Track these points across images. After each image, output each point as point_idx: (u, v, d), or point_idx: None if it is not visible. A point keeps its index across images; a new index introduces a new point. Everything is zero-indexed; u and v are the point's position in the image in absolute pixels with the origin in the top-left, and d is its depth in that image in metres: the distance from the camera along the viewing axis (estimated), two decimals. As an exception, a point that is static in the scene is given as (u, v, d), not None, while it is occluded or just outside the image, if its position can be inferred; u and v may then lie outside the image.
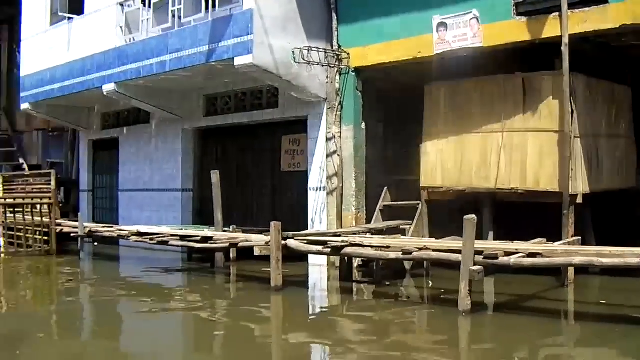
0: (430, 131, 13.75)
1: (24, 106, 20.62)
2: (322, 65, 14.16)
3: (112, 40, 16.91)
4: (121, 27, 16.85)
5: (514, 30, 11.99)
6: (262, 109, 16.25)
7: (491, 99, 13.00)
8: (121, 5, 16.85)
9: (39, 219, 17.83)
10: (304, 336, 9.19)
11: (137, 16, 16.33)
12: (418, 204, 13.90)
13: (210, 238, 13.48)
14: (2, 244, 18.02)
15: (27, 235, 17.82)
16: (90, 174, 21.90)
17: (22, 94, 20.59)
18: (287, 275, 11.88)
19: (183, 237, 14.08)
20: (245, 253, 13.76)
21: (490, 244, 10.72)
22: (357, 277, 13.36)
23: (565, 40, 11.30)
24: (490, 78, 13.13)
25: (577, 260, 9.15)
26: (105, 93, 17.06)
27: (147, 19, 15.98)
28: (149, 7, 15.87)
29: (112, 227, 16.93)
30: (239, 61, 13.58)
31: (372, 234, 12.86)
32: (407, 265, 13.15)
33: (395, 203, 14.52)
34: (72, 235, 17.35)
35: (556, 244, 10.73)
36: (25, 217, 17.91)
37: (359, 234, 12.68)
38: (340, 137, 14.34)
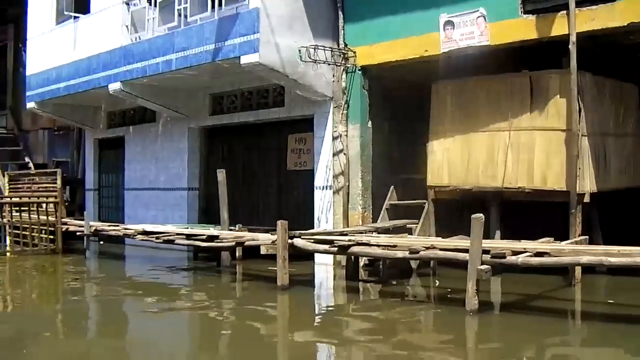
0: (436, 130, 13.71)
1: (30, 105, 20.62)
2: (329, 64, 14.13)
3: (117, 39, 16.90)
4: (127, 26, 16.83)
5: (521, 29, 11.93)
6: (268, 108, 16.21)
7: (498, 98, 12.94)
8: (127, 4, 16.84)
9: (45, 217, 17.84)
10: (310, 335, 9.19)
11: (143, 15, 16.31)
12: (424, 203, 13.86)
13: (216, 237, 13.47)
14: (8, 242, 18.02)
15: (32, 234, 17.83)
16: (96, 172, 21.90)
17: (27, 93, 20.59)
18: (293, 274, 11.86)
19: (189, 236, 14.06)
20: (251, 252, 13.73)
21: (498, 243, 10.67)
22: (364, 276, 13.32)
23: (573, 38, 11.25)
24: (498, 76, 13.09)
25: (585, 259, 9.10)
26: (111, 92, 17.05)
27: (153, 18, 15.96)
28: (155, 5, 15.85)
29: (118, 225, 16.94)
30: (245, 60, 13.55)
31: (379, 233, 12.82)
32: (414, 264, 13.12)
33: (402, 202, 14.48)
34: (77, 234, 17.33)
35: (563, 243, 10.68)
36: (31, 215, 17.92)
37: (366, 232, 12.64)
38: (346, 135, 14.30)
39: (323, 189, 14.76)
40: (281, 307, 11.19)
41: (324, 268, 14.35)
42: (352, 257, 12.59)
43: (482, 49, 12.52)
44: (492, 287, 11.50)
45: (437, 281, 12.71)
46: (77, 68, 18.25)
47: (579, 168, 11.81)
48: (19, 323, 9.88)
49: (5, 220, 18.07)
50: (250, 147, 17.43)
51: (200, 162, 18.31)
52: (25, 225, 17.88)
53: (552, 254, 9.53)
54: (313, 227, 14.48)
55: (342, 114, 14.34)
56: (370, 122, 14.44)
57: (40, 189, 19.04)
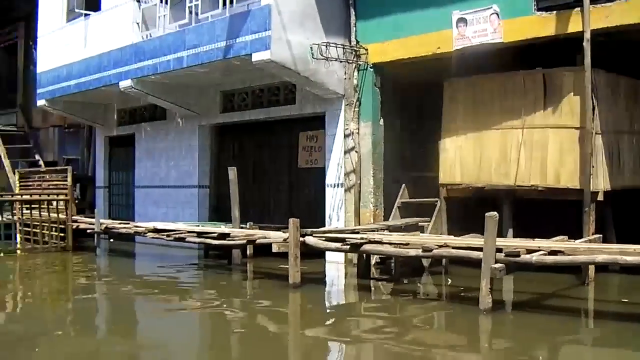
0: (449, 127, 13.65)
1: (40, 103, 20.63)
2: (340, 61, 14.07)
3: (128, 37, 16.88)
4: (138, 24, 16.81)
5: (535, 26, 11.86)
6: (279, 105, 16.16)
7: (511, 95, 12.87)
8: (138, 1, 16.82)
9: (55, 215, 17.86)
10: (323, 333, 9.13)
11: (154, 12, 16.28)
12: (436, 201, 13.80)
13: (228, 235, 13.44)
14: (19, 240, 18.06)
15: (43, 232, 17.86)
16: (106, 170, 21.90)
17: (38, 91, 20.60)
18: (304, 272, 11.81)
19: (200, 234, 14.04)
20: (262, 250, 13.68)
21: (511, 242, 10.62)
22: (375, 274, 13.27)
23: (587, 35, 11.17)
24: (510, 74, 13.00)
25: (600, 258, 9.02)
26: (121, 89, 17.04)
27: (164, 15, 15.92)
28: (166, 3, 15.83)
29: (128, 223, 16.93)
30: (256, 57, 13.49)
31: (391, 231, 12.76)
32: (425, 262, 13.06)
33: (413, 200, 14.45)
34: (88, 231, 17.33)
35: (577, 241, 10.60)
36: (42, 213, 17.94)
37: (377, 231, 12.60)
38: (358, 133, 14.25)
39: (334, 186, 14.71)
40: (293, 305, 11.14)
41: (335, 266, 14.30)
42: (364, 255, 12.54)
43: (495, 47, 12.44)
44: (505, 286, 11.46)
45: (449, 279, 12.64)
46: (87, 65, 18.24)
47: (593, 166, 11.72)
48: (30, 322, 9.86)
49: (15, 217, 18.11)
50: (261, 145, 17.40)
51: (211, 159, 18.28)
52: (36, 223, 17.90)
53: (567, 252, 9.46)
54: (324, 225, 14.42)
55: (353, 111, 14.29)
56: (382, 119, 14.39)
57: (51, 187, 19.05)
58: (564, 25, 11.54)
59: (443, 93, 13.74)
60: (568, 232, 11.30)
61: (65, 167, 19.27)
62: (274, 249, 12.32)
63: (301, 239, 11.65)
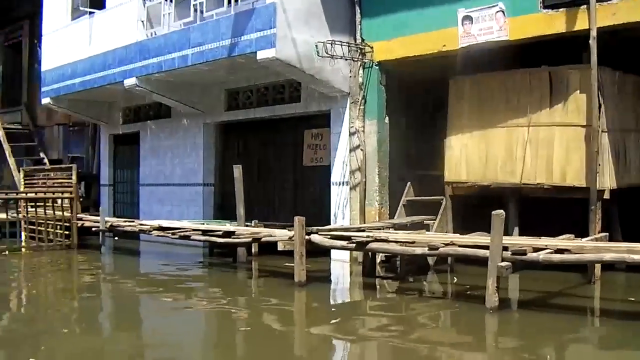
0: (454, 125, 13.62)
1: (45, 101, 20.63)
2: (346, 59, 14.03)
3: (133, 35, 16.86)
4: (143, 22, 16.79)
5: (541, 24, 11.81)
6: (284, 104, 16.13)
7: (517, 93, 12.84)
8: (143, -1, 16.83)
9: (60, 213, 17.86)
10: (329, 331, 9.10)
11: (159, 10, 16.26)
12: (442, 199, 13.78)
13: (233, 233, 13.43)
14: (24, 238, 18.10)
15: (48, 230, 17.87)
16: (111, 168, 21.91)
17: (43, 89, 20.60)
18: (309, 270, 11.80)
19: (205, 232, 14.02)
20: (267, 248, 13.69)
21: (518, 240, 10.59)
22: (380, 272, 13.24)
23: (594, 33, 11.14)
24: (516, 72, 12.98)
25: (608, 256, 8.97)
26: (126, 87, 17.04)
27: (169, 13, 15.92)
28: (171, 1, 15.81)
29: (133, 221, 16.91)
30: (261, 55, 13.47)
31: (396, 229, 12.76)
32: (431, 260, 13.05)
33: (419, 198, 14.41)
34: (93, 229, 17.33)
35: (584, 240, 10.58)
36: (46, 211, 17.94)
37: (383, 229, 12.58)
38: (363, 131, 14.23)
39: (339, 184, 14.69)
40: (299, 304, 11.14)
41: (341, 264, 14.28)
42: (370, 253, 12.52)
43: (501, 44, 12.42)
44: (511, 284, 11.41)
45: (454, 278, 12.63)
46: (92, 63, 18.24)
47: (599, 164, 11.69)
48: (36, 320, 9.86)
49: (20, 215, 18.12)
50: (266, 143, 17.39)
51: (215, 157, 18.27)
52: (41, 221, 17.92)
53: (574, 251, 9.43)
54: (329, 223, 14.40)
55: (359, 109, 14.26)
56: (387, 117, 14.36)
57: (56, 185, 19.04)
58: (570, 22, 11.49)
59: (448, 91, 13.70)
60: (574, 230, 11.29)
61: (70, 165, 19.26)
62: (280, 247, 12.33)
63: (307, 237, 11.63)
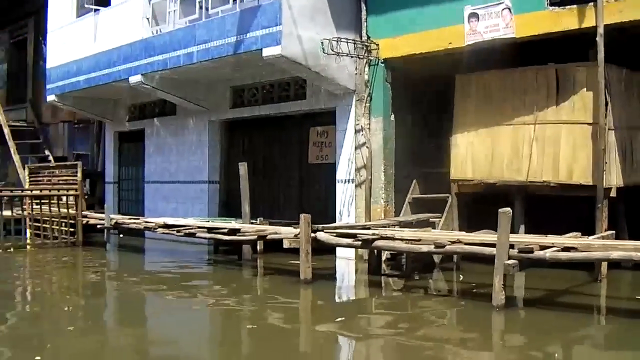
0: (460, 123, 13.59)
1: (50, 98, 20.65)
2: (351, 57, 14.00)
3: (138, 32, 16.86)
4: (148, 19, 16.78)
5: (547, 21, 11.77)
6: (289, 101, 16.11)
7: (523, 91, 12.81)
8: (148, -4, 16.82)
9: (65, 210, 17.84)
10: (335, 329, 9.08)
11: (164, 7, 16.26)
12: (447, 197, 13.75)
13: (238, 230, 13.39)
14: (28, 235, 18.06)
15: (53, 227, 17.85)
16: (116, 165, 21.92)
17: (48, 86, 20.61)
18: (315, 268, 11.76)
19: (210, 230, 14.00)
20: (272, 245, 13.67)
21: (524, 238, 10.55)
22: (386, 270, 13.21)
23: (601, 30, 11.11)
24: (523, 69, 12.95)
25: (615, 254, 8.93)
26: (131, 84, 17.03)
27: (174, 10, 15.92)
28: (176, -2, 15.83)
29: (138, 218, 16.91)
30: (267, 52, 13.45)
31: (402, 227, 12.73)
32: (436, 258, 13.01)
33: (425, 196, 14.39)
34: (98, 226, 17.33)
35: (590, 238, 10.54)
36: (52, 208, 17.92)
37: (389, 226, 12.55)
38: (369, 129, 14.21)
39: (345, 182, 14.66)
40: (305, 301, 11.12)
41: (346, 262, 14.25)
42: (375, 251, 12.49)
43: (507, 42, 12.38)
44: (517, 282, 11.37)
45: (460, 276, 12.60)
46: (97, 61, 18.23)
47: (606, 162, 11.66)
48: (41, 318, 9.87)
49: (25, 213, 18.10)
50: (271, 140, 17.36)
51: (220, 155, 18.27)
52: (46, 218, 17.89)
53: (580, 249, 9.41)
54: (334, 221, 14.41)
55: (364, 107, 14.24)
56: (393, 115, 14.33)
57: (61, 182, 19.03)
58: (576, 20, 11.45)
59: (454, 88, 13.68)
60: (580, 228, 11.24)
61: (75, 163, 19.25)
62: (285, 244, 12.29)
63: (312, 234, 11.61)
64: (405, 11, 13.70)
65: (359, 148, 14.30)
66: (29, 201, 18.34)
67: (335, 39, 13.61)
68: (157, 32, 16.58)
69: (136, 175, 21.16)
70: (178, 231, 14.46)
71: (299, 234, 11.65)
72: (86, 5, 18.68)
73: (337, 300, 11.62)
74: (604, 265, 11.20)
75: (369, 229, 12.01)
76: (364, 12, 14.28)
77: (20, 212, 18.05)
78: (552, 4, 11.72)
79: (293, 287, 11.54)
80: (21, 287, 12.75)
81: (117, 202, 21.72)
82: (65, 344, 8.23)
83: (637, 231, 12.14)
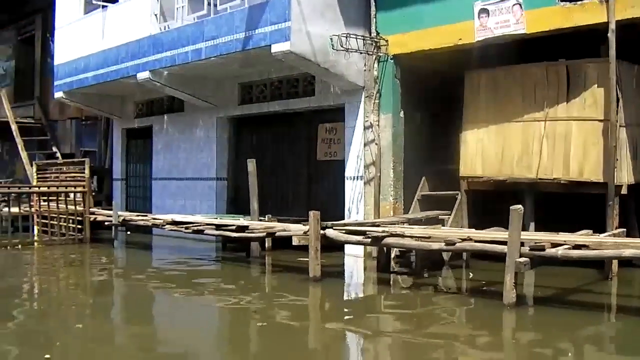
0: (470, 119, 13.52)
1: (58, 95, 20.61)
2: (360, 53, 13.91)
3: (146, 28, 16.80)
4: (156, 15, 16.72)
5: (558, 16, 11.67)
6: (298, 97, 16.04)
7: (533, 87, 12.72)
8: (156, -8, 16.76)
9: (73, 207, 17.84)
10: (345, 327, 9.04)
11: (172, 4, 16.20)
12: (457, 194, 13.67)
13: (246, 227, 13.36)
14: (36, 232, 18.08)
15: (60, 224, 17.86)
16: (124, 162, 21.88)
17: (55, 83, 20.57)
18: (323, 265, 11.69)
19: (219, 227, 13.97)
20: (281, 242, 13.62)
21: (535, 235, 10.48)
22: (395, 267, 13.14)
23: (612, 26, 11.01)
24: (533, 65, 12.85)
25: (627, 252, 8.85)
26: (139, 81, 16.98)
27: (182, 7, 15.86)
28: (184, -6, 15.78)
29: (146, 215, 16.90)
30: (276, 48, 13.38)
31: (411, 224, 12.66)
32: (445, 256, 12.92)
33: (434, 193, 14.32)
34: (106, 223, 17.31)
35: (601, 235, 10.46)
36: (59, 205, 17.93)
37: (398, 224, 12.48)
38: (378, 125, 14.13)
39: (354, 179, 14.60)
40: (314, 299, 11.08)
41: (354, 259, 14.19)
42: (384, 248, 12.44)
43: (517, 38, 12.29)
44: (527, 280, 11.31)
45: (470, 273, 12.52)
46: (105, 57, 18.19)
47: (617, 159, 11.56)
48: (49, 315, 9.83)
49: (33, 209, 18.10)
50: (279, 137, 17.30)
51: (229, 152, 18.20)
52: (53, 215, 17.92)
53: (592, 246, 9.32)
54: (343, 218, 14.33)
55: (373, 103, 14.16)
56: (402, 111, 14.24)
57: (68, 179, 19.06)
58: (588, 15, 11.34)
59: (464, 85, 13.60)
60: (589, 226, 11.15)
61: (83, 159, 19.26)
62: (294, 241, 12.22)
63: (322, 232, 11.54)
64: (415, 7, 13.60)
65: (368, 145, 14.23)
66: (37, 198, 18.36)
67: (345, 35, 13.53)
68: (165, 29, 16.52)
69: (144, 172, 21.12)
70: (186, 228, 14.43)
71: (308, 231, 11.59)
72: (94, 2, 18.62)
73: (346, 297, 11.58)
74: (615, 263, 11.14)
75: (378, 226, 11.94)
76: (373, 8, 14.18)
77: (28, 208, 18.06)
78: (563, 0, 11.61)
79: (302, 285, 11.50)
80: (29, 284, 12.74)
81: (125, 199, 21.67)
82: (74, 341, 8.19)
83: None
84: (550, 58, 12.70)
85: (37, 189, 18.92)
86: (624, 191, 11.89)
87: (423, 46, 13.49)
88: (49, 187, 18.73)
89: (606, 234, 10.80)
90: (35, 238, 17.71)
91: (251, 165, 14.63)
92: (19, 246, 16.68)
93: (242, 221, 14.08)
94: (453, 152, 13.74)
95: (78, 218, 17.83)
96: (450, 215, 13.49)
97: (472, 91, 13.52)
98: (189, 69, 15.98)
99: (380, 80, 14.13)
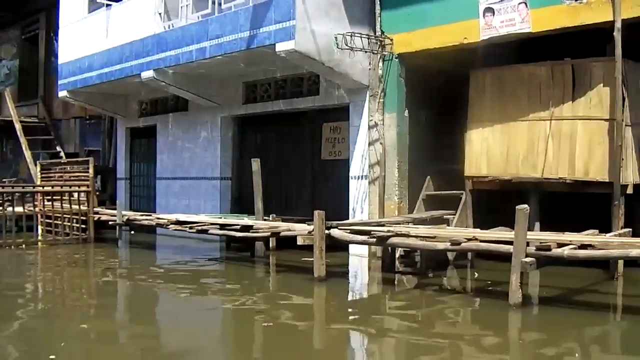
0: (475, 119, 13.48)
1: (62, 94, 20.61)
2: (365, 52, 13.87)
3: (150, 27, 16.77)
4: (160, 14, 16.69)
5: (564, 15, 11.63)
6: (302, 96, 16.01)
7: (539, 86, 12.69)
8: (160, -9, 16.74)
9: (77, 206, 17.82)
10: (350, 327, 9.01)
11: (177, 2, 16.18)
12: (461, 194, 13.64)
13: (251, 227, 13.33)
14: (40, 232, 18.07)
15: (64, 223, 17.85)
16: (128, 161, 21.88)
17: (59, 82, 20.57)
18: (328, 265, 11.64)
19: (223, 226, 13.94)
20: (285, 242, 13.60)
21: (541, 235, 10.43)
22: (399, 267, 13.12)
23: (618, 25, 10.97)
24: (538, 64, 12.81)
25: (634, 252, 8.79)
26: (143, 80, 16.96)
27: (187, 5, 15.84)
28: (189, -7, 15.75)
29: (150, 215, 16.87)
30: (280, 47, 13.35)
31: (415, 224, 12.62)
32: (450, 256, 12.89)
33: (438, 192, 14.29)
34: (110, 223, 17.27)
35: (607, 235, 10.42)
36: (63, 205, 17.91)
37: (403, 223, 12.44)
38: (382, 124, 14.09)
39: (358, 178, 14.57)
40: (319, 299, 11.02)
41: (359, 259, 14.16)
42: (389, 248, 12.40)
43: (523, 37, 12.25)
44: (533, 280, 11.26)
45: (475, 273, 12.49)
46: (109, 56, 18.18)
47: (622, 159, 11.52)
48: (54, 315, 9.80)
49: (37, 209, 18.10)
50: (283, 136, 17.28)
51: (233, 151, 18.19)
52: (57, 215, 17.92)
53: (598, 246, 9.28)
54: (347, 218, 14.30)
55: (378, 102, 14.12)
56: (407, 110, 14.20)
57: (72, 178, 19.04)
58: (594, 14, 11.30)
59: (469, 84, 13.56)
60: (595, 225, 11.11)
61: (87, 159, 19.23)
62: (299, 241, 12.20)
63: (326, 231, 11.51)
64: (420, 6, 13.57)
65: (373, 144, 14.19)
66: (41, 197, 18.35)
67: (349, 34, 13.50)
68: (169, 27, 16.49)
69: (148, 172, 21.12)
70: (190, 228, 14.38)
71: (312, 231, 11.55)
72: (98, 1, 18.62)
73: (351, 297, 11.53)
74: (620, 263, 11.10)
75: (383, 225, 11.90)
76: (377, 7, 14.14)
77: (31, 208, 18.06)
78: (568, -1, 11.58)
79: (307, 285, 11.46)
80: (33, 284, 12.72)
81: (129, 199, 21.69)
82: (79, 342, 8.14)
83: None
84: (555, 57, 12.66)
85: (41, 188, 18.92)
86: (629, 191, 11.82)
87: (428, 45, 13.46)
88: (52, 186, 18.71)
89: (612, 233, 10.76)
90: (39, 238, 17.70)
91: (255, 164, 14.61)
92: (23, 246, 16.66)
93: (246, 221, 14.05)
94: (458, 151, 13.70)
95: (82, 217, 17.80)
96: (455, 214, 13.45)
97: (477, 90, 13.49)
98: (193, 68, 15.96)
99: (385, 79, 14.09)
